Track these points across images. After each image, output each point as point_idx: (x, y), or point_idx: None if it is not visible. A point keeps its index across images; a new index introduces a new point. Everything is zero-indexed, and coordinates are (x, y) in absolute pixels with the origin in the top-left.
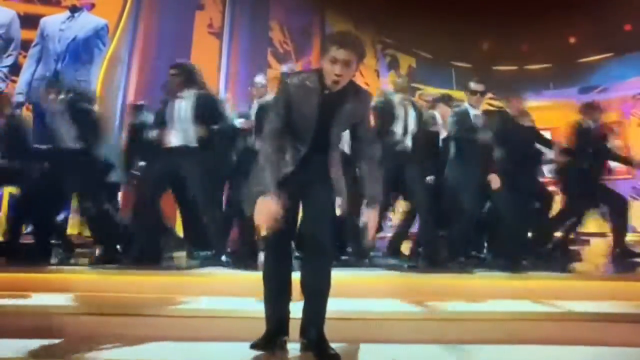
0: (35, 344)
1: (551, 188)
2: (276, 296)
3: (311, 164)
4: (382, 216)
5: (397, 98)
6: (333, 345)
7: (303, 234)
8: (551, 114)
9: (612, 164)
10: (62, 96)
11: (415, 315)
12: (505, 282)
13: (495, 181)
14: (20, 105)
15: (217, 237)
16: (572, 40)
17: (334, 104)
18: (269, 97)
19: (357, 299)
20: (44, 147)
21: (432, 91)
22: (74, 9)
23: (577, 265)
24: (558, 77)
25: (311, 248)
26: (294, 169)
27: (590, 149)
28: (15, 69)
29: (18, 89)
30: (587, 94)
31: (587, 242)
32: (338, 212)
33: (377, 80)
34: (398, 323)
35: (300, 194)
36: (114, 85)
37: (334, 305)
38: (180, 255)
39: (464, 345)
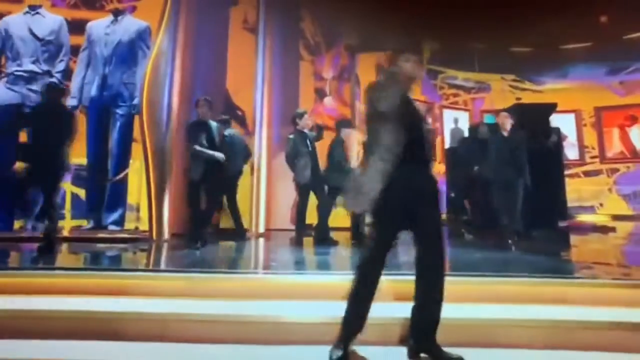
0: None
1: None
2: (364, 304)
3: (416, 174)
4: None
5: None
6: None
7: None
8: (576, 95)
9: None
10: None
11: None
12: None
13: None
14: (74, 108)
15: None
16: (603, 19)
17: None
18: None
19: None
20: None
21: None
22: (116, 13)
23: None
24: (586, 58)
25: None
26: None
27: None
28: (67, 73)
29: (71, 93)
30: (616, 75)
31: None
32: None
33: None
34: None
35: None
36: (159, 83)
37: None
38: None
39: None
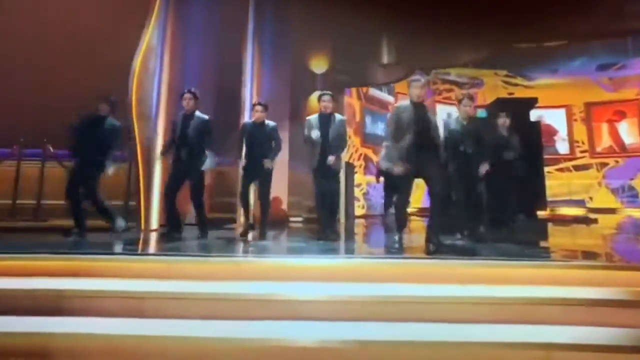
0: None
1: None
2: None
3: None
4: None
5: None
6: None
7: None
8: (567, 91)
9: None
10: None
11: None
12: None
13: None
14: None
15: None
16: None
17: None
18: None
19: None
20: None
21: None
22: None
23: None
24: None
25: None
26: None
27: None
28: None
29: None
30: (605, 71)
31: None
32: None
33: None
34: None
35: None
36: (148, 78)
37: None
38: None
39: None
